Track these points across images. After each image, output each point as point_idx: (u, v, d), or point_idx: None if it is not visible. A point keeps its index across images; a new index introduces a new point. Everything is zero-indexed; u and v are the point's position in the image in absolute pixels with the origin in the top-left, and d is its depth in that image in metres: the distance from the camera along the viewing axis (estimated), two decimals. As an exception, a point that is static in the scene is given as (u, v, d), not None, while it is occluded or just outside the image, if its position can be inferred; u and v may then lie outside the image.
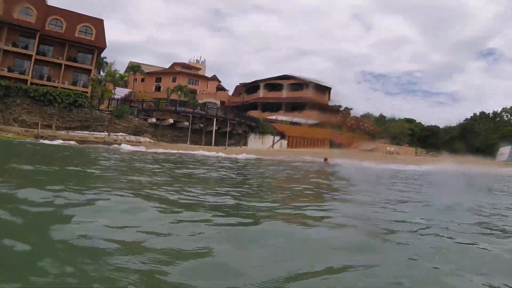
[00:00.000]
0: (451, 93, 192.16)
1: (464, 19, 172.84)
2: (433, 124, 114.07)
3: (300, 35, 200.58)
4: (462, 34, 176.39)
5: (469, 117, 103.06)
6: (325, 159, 26.01)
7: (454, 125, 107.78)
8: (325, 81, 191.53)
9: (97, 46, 51.49)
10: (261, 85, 79.18)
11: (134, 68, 63.61)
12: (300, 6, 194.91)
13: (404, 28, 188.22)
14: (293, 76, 79.13)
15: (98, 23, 52.61)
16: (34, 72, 47.64)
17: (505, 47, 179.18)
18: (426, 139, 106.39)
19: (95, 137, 40.58)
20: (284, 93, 77.52)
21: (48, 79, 48.30)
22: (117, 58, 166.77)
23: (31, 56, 47.14)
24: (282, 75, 78.96)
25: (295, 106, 76.59)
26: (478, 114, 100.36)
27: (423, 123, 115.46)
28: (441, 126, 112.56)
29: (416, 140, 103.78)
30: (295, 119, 71.90)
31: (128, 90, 65.87)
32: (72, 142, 34.29)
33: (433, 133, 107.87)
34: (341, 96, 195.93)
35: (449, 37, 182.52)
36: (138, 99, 54.52)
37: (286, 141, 62.45)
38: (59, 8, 50.90)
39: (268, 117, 67.85)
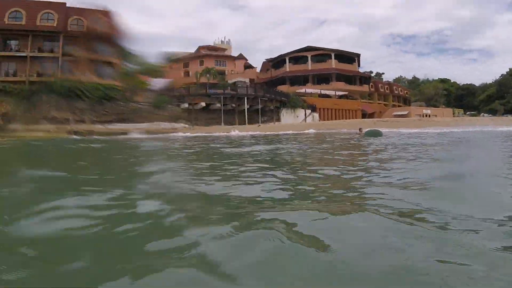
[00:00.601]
0: (483, 49, 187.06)
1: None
2: (468, 83, 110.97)
3: (317, 4, 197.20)
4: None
5: (504, 73, 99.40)
6: (360, 129, 26.78)
7: (490, 82, 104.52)
8: (350, 48, 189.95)
9: (117, 37, 51.09)
10: (286, 59, 78.27)
11: (169, 59, 63.37)
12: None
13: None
14: (316, 47, 77.78)
15: (114, 16, 52.34)
16: (62, 72, 47.72)
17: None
18: (462, 98, 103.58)
19: (137, 128, 39.93)
20: (310, 65, 76.32)
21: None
22: (144, 48, 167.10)
23: (57, 58, 47.30)
24: (305, 47, 77.75)
25: (322, 78, 75.53)
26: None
27: (458, 82, 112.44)
28: (477, 84, 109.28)
29: (452, 100, 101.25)
30: (324, 91, 70.84)
31: (164, 80, 65.96)
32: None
33: (469, 92, 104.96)
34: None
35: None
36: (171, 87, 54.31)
37: (317, 114, 61.52)
38: (77, 7, 50.81)
39: (297, 91, 66.97)
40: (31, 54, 46.12)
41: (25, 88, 41.16)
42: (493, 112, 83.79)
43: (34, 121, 40.20)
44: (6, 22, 45.63)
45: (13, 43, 46.84)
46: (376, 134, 22.92)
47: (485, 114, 78.11)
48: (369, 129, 26.12)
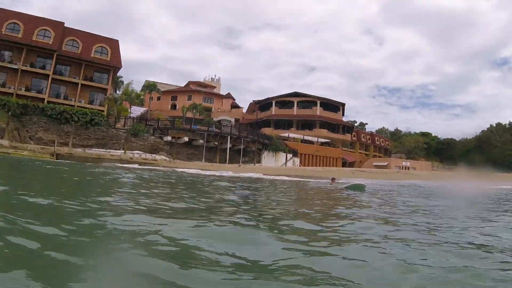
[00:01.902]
0: (466, 105, 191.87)
1: (475, 28, 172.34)
2: (449, 137, 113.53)
3: (310, 50, 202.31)
4: (474, 43, 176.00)
5: (485, 129, 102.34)
6: (332, 179, 26.14)
7: (471, 137, 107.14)
8: (337, 96, 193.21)
9: (113, 65, 52.29)
10: (273, 102, 79.88)
11: (150, 87, 64.49)
12: (308, 21, 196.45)
13: (415, 39, 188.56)
14: (303, 94, 79.77)
15: (113, 44, 53.52)
16: (51, 91, 48.40)
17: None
18: (442, 152, 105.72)
19: (111, 155, 41.06)
20: (295, 111, 77.97)
21: (65, 98, 49.02)
22: (133, 77, 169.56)
23: (48, 75, 47.97)
24: (293, 92, 79.74)
25: (306, 124, 77.09)
26: (494, 125, 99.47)
27: (439, 136, 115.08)
28: (457, 139, 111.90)
29: (432, 154, 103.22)
30: (307, 137, 72.21)
31: (144, 109, 66.72)
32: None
33: (449, 146, 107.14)
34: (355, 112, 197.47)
35: (460, 47, 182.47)
36: (154, 118, 55.09)
37: (298, 159, 62.47)
38: (75, 29, 52.06)
39: (280, 134, 68.19)
40: (23, 68, 46.89)
41: (15, 105, 41.21)
42: (472, 165, 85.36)
43: (21, 139, 40.63)
44: (3, 32, 46.51)
45: (7, 54, 47.53)
46: (358, 188, 21.47)
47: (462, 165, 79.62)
48: (352, 183, 25.82)
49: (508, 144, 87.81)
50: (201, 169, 36.72)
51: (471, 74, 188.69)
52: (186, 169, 34.83)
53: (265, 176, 33.83)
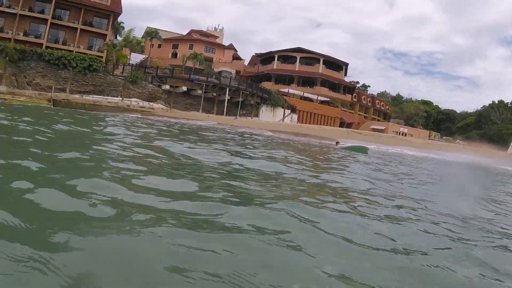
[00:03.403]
0: (470, 78, 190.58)
1: (488, 2, 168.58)
2: (450, 108, 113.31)
3: (318, 5, 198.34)
4: (486, 18, 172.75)
5: (487, 105, 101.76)
6: (336, 143, 25.94)
7: (471, 111, 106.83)
8: (341, 55, 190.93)
9: (113, 10, 51.26)
10: (275, 56, 78.97)
11: (151, 34, 63.67)
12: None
13: (427, 6, 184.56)
14: (306, 50, 78.71)
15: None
16: (50, 36, 47.76)
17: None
18: (441, 122, 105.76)
19: (108, 102, 41.12)
20: (297, 67, 77.19)
21: (64, 43, 48.45)
22: (135, 23, 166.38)
23: (47, 20, 47.21)
24: (296, 48, 78.65)
25: (307, 81, 76.52)
26: (496, 102, 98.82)
27: (440, 106, 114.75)
28: (458, 111, 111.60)
29: (431, 123, 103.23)
30: (307, 94, 71.89)
31: (144, 56, 66.00)
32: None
33: (448, 118, 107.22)
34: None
35: (472, 19, 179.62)
36: (153, 66, 54.58)
37: (296, 116, 62.47)
38: (75, -28, 50.75)
39: (280, 90, 67.84)
40: (21, 12, 46.05)
41: (12, 51, 40.81)
42: (469, 140, 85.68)
43: (18, 85, 40.57)
44: (0, -24, 45.46)
45: (4, -2, 46.62)
46: (361, 150, 21.31)
47: (460, 141, 80.00)
48: (353, 144, 24.63)
49: (507, 122, 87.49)
50: (188, 119, 36.96)
51: (479, 48, 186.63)
52: (174, 119, 34.97)
53: (258, 131, 33.85)
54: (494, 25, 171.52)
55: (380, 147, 35.78)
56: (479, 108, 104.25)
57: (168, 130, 19.46)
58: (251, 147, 15.16)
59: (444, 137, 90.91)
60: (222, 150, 11.37)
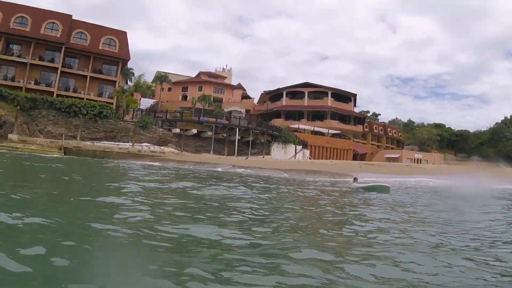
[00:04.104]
0: (480, 95, 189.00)
1: (489, 17, 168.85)
2: (463, 129, 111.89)
3: (322, 38, 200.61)
4: (488, 32, 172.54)
5: (499, 121, 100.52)
6: (354, 179, 22.62)
7: (484, 128, 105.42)
8: (349, 85, 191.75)
9: (121, 57, 52.22)
10: (284, 93, 79.23)
11: (161, 78, 64.54)
12: (320, 8, 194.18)
13: (429, 27, 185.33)
14: (314, 84, 78.95)
15: (121, 35, 53.41)
16: (60, 84, 48.56)
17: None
18: (455, 143, 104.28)
19: (119, 148, 41.08)
20: (306, 101, 77.29)
21: (74, 91, 49.16)
22: (145, 67, 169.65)
23: (57, 68, 48.10)
24: (303, 83, 78.97)
25: (317, 115, 76.34)
26: (508, 117, 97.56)
27: (452, 128, 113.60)
28: (471, 130, 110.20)
29: (445, 146, 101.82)
30: (317, 128, 71.56)
31: (154, 100, 66.67)
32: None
33: (462, 138, 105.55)
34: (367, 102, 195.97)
35: (474, 36, 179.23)
36: (163, 110, 54.93)
37: (308, 151, 61.90)
38: (83, 21, 52.14)
39: (290, 126, 67.72)
40: (32, 61, 47.13)
41: (24, 99, 41.39)
42: (485, 157, 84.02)
43: (30, 133, 40.88)
44: (11, 27, 46.71)
45: (15, 48, 47.86)
46: (381, 189, 18.73)
47: (476, 159, 78.46)
48: (371, 184, 20.89)
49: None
50: (198, 162, 36.59)
51: (485, 64, 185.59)
52: (186, 164, 34.51)
53: (275, 173, 33.25)
54: (497, 39, 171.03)
55: (396, 178, 34.83)
56: (491, 124, 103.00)
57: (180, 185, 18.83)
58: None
59: (459, 155, 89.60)
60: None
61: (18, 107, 40.40)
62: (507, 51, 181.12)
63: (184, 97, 76.98)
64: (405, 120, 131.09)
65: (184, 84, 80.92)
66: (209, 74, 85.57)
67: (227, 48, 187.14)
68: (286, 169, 36.71)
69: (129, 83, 60.78)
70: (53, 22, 48.87)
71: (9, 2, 48.49)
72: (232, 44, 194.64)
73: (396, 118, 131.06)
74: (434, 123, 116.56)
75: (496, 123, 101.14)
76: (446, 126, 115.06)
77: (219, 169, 33.35)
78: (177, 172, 24.87)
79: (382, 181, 26.11)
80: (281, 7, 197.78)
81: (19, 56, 47.15)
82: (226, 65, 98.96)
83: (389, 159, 73.69)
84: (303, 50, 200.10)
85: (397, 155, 77.83)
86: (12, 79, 46.26)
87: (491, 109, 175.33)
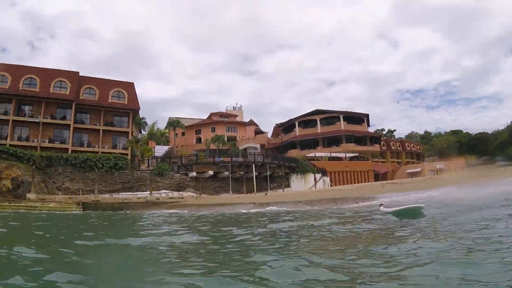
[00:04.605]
0: (492, 96, 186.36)
1: (487, 17, 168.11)
2: (481, 131, 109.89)
3: (326, 64, 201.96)
4: (488, 33, 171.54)
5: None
6: (380, 204, 19.55)
7: (503, 128, 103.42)
8: (360, 106, 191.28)
9: (131, 108, 52.77)
10: (296, 123, 79.08)
11: (173, 123, 65.17)
12: (320, 35, 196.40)
13: (429, 37, 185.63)
14: (324, 110, 78.76)
15: (129, 87, 54.21)
16: (74, 140, 49.08)
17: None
18: (476, 147, 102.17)
19: (138, 198, 40.82)
20: (319, 129, 76.90)
21: (88, 145, 49.63)
22: (158, 115, 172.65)
23: (69, 125, 48.70)
24: (314, 111, 78.86)
25: (332, 140, 75.78)
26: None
27: (471, 132, 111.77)
28: (489, 131, 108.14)
29: (465, 151, 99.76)
30: (334, 154, 70.81)
31: (168, 147, 67.04)
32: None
33: (481, 141, 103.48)
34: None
35: (476, 38, 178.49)
36: (178, 155, 54.97)
37: (328, 178, 60.94)
38: (90, 77, 53.20)
39: (307, 155, 67.11)
40: (44, 120, 47.90)
41: (39, 158, 41.82)
42: (508, 158, 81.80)
43: (48, 191, 41.07)
44: (21, 88, 47.82)
45: (27, 108, 48.85)
46: (413, 213, 15.31)
47: (501, 162, 76.38)
48: (401, 207, 16.76)
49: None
50: (216, 204, 35.93)
51: (491, 64, 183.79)
52: (203, 209, 33.55)
53: (296, 207, 32.30)
54: (499, 38, 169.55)
55: (422, 194, 33.30)
56: (509, 122, 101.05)
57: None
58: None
59: (482, 158, 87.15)
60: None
61: (34, 166, 40.70)
62: (510, 47, 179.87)
63: (198, 140, 77.41)
64: (421, 132, 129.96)
65: (197, 127, 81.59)
66: (220, 114, 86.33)
67: (235, 86, 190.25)
68: (308, 201, 35.73)
69: (142, 132, 61.41)
70: (61, 81, 49.85)
71: (16, 65, 49.91)
72: (239, 82, 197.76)
73: (412, 132, 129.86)
74: (451, 131, 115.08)
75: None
76: (464, 132, 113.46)
77: (237, 210, 32.40)
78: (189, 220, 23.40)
79: (410, 201, 25.00)
80: (281, 40, 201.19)
81: (31, 116, 47.98)
82: (236, 103, 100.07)
83: (411, 174, 72.30)
84: (309, 78, 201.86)
85: (418, 169, 76.40)
86: (27, 139, 46.90)
87: (506, 107, 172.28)
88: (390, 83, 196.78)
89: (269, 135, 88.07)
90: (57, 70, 51.50)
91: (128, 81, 55.91)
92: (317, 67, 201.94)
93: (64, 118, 49.38)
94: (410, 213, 15.29)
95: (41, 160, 42.03)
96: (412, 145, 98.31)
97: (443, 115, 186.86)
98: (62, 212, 31.44)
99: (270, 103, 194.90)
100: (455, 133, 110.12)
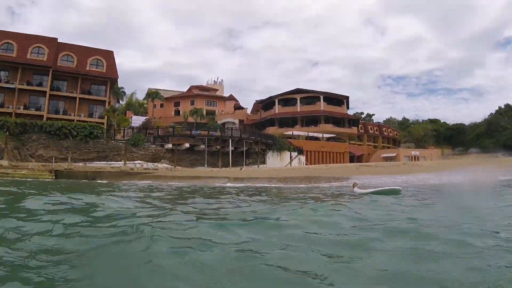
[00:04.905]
0: (473, 88, 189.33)
1: (475, 10, 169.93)
2: (458, 122, 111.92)
3: (311, 46, 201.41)
4: (476, 26, 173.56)
5: (494, 111, 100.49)
6: (354, 184, 21.29)
7: (480, 120, 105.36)
8: (342, 89, 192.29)
9: (109, 77, 52.04)
10: (276, 101, 79.15)
11: (152, 94, 64.40)
12: (308, 16, 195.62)
13: (417, 26, 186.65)
14: (305, 90, 78.89)
15: (108, 55, 53.33)
16: (50, 107, 48.37)
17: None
18: (452, 138, 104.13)
19: (111, 167, 40.72)
20: (298, 108, 77.20)
21: (64, 113, 48.93)
22: (138, 86, 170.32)
23: (45, 92, 47.88)
24: (295, 89, 78.89)
25: (311, 120, 76.21)
26: (503, 107, 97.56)
27: (448, 122, 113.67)
28: (467, 123, 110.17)
29: (441, 141, 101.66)
30: (312, 133, 71.38)
31: (145, 117, 66.68)
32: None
33: (458, 132, 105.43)
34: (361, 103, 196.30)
35: (462, 30, 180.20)
36: (154, 126, 54.72)
37: (304, 157, 61.58)
38: (69, 43, 52.15)
39: (285, 133, 67.53)
40: (20, 87, 46.98)
41: (13, 125, 41.17)
42: (483, 149, 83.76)
43: (21, 158, 40.59)
44: (-3, 53, 46.49)
45: (2, 74, 47.71)
46: (391, 192, 16.28)
47: (474, 151, 78.39)
48: (380, 188, 17.73)
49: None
50: (189, 177, 35.99)
51: (476, 57, 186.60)
52: (176, 181, 33.62)
53: (268, 184, 32.50)
54: (485, 31, 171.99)
55: (396, 178, 34.10)
56: (487, 116, 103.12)
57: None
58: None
59: (457, 149, 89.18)
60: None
61: (8, 132, 40.13)
62: (496, 42, 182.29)
63: (177, 113, 76.89)
64: (400, 118, 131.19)
65: (176, 99, 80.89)
66: (200, 88, 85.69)
67: (218, 61, 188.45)
68: (282, 178, 36.07)
69: (120, 102, 60.71)
70: (39, 46, 48.84)
71: (-8, 30, 48.61)
72: (223, 57, 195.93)
73: (391, 117, 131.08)
74: (429, 119, 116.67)
75: (491, 113, 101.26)
76: (442, 121, 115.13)
77: (210, 184, 32.39)
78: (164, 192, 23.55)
79: (386, 183, 25.47)
80: (268, 17, 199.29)
81: (7, 82, 46.98)
82: (218, 78, 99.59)
83: (386, 159, 73.46)
84: (293, 58, 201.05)
85: (394, 154, 77.67)
86: (1, 105, 46.08)
87: (485, 101, 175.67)
88: (374, 69, 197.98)
89: (249, 111, 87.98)
90: (35, 35, 50.40)
91: (109, 49, 54.76)
92: (302, 48, 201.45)
93: (40, 84, 48.51)
94: (387, 193, 15.85)
95: (15, 126, 41.36)
96: (389, 130, 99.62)
97: (424, 104, 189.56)
98: (33, 180, 31.15)
99: (252, 80, 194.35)
100: (433, 122, 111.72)
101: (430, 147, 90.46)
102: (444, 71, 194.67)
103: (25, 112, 46.30)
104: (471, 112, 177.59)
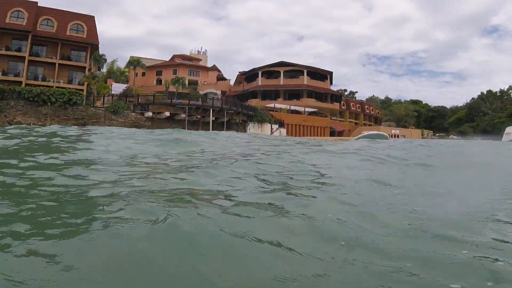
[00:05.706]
0: (457, 72, 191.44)
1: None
2: (440, 105, 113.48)
3: (298, 19, 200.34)
4: (464, 10, 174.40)
5: (476, 96, 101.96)
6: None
7: (461, 105, 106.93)
8: (326, 65, 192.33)
9: (90, 42, 51.22)
10: (259, 73, 79.00)
11: (133, 63, 63.66)
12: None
13: (405, 5, 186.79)
14: (289, 63, 78.83)
15: (89, 20, 52.32)
16: (29, 73, 47.59)
17: (509, 22, 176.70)
18: (433, 120, 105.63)
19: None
20: (281, 80, 77.24)
21: (43, 79, 48.23)
22: (120, 54, 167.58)
23: (24, 57, 47.07)
24: (279, 62, 78.77)
25: (293, 93, 76.44)
26: (485, 92, 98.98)
27: (429, 104, 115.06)
28: (448, 106, 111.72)
29: (422, 122, 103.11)
30: (294, 107, 71.71)
31: (126, 85, 66.06)
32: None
33: (440, 114, 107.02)
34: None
35: (451, 13, 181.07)
36: (135, 94, 54.36)
37: (285, 130, 62.01)
38: (49, 8, 50.80)
39: (267, 105, 67.69)
40: (-3, 52, 45.86)
41: None
42: (462, 134, 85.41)
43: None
44: (-26, 18, 45.42)
45: (-20, 39, 46.57)
46: (381, 137, 19.65)
47: (454, 136, 79.82)
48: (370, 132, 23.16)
49: (498, 111, 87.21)
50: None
51: (462, 41, 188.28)
52: None
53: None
54: (473, 16, 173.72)
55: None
56: (468, 101, 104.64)
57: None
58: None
59: (438, 134, 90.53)
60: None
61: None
62: (483, 28, 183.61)
63: (159, 82, 76.13)
64: (382, 97, 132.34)
65: (158, 68, 79.98)
66: (183, 57, 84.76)
67: (202, 31, 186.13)
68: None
69: (101, 69, 60.04)
70: (18, 10, 47.62)
71: (-31, -6, 47.31)
72: (207, 26, 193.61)
73: (373, 96, 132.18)
74: (411, 100, 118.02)
75: (473, 98, 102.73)
76: (423, 103, 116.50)
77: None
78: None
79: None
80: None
81: (-16, 47, 46.06)
82: (201, 47, 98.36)
83: (367, 135, 74.20)
84: (279, 30, 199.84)
85: (374, 131, 78.38)
86: (-21, 71, 45.28)
87: (468, 85, 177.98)
88: (360, 45, 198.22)
89: (232, 82, 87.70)
90: (14, -1, 49.20)
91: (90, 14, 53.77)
92: (289, 21, 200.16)
93: (19, 50, 47.57)
94: (378, 137, 19.06)
95: None
96: (371, 108, 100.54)
97: (407, 84, 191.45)
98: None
99: (237, 51, 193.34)
100: (415, 103, 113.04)
101: (411, 127, 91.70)
102: (429, 53, 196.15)
103: (3, 78, 45.42)
104: (452, 96, 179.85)
